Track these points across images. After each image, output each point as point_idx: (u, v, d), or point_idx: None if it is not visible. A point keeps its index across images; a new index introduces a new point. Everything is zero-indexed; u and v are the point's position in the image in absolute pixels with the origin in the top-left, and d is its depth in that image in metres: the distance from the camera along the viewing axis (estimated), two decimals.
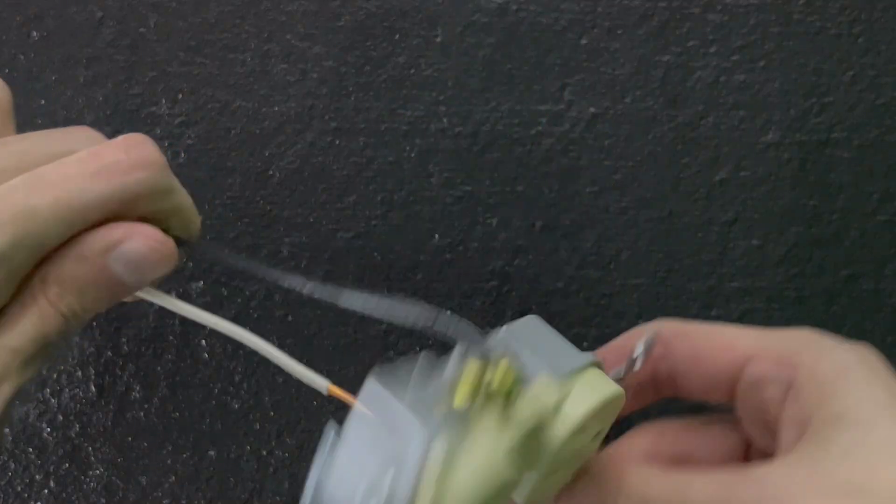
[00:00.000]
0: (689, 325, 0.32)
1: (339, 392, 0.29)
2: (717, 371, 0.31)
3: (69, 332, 0.28)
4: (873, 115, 0.40)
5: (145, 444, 0.38)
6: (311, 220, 0.39)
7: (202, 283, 0.39)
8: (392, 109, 0.40)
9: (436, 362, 0.27)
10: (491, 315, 0.38)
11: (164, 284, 0.39)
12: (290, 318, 0.39)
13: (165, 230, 0.28)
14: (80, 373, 0.39)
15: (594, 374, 0.29)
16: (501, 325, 0.30)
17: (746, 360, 0.30)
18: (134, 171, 0.28)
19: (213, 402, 0.38)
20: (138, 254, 0.28)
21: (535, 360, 0.29)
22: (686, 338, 0.31)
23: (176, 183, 0.29)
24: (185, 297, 0.39)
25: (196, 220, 0.31)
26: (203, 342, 0.39)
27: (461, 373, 0.27)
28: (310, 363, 0.39)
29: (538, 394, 0.28)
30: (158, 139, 0.39)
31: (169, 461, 0.38)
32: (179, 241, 0.29)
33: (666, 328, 0.32)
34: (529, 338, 0.30)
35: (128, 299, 0.29)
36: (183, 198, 0.30)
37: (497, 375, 0.27)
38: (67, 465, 0.38)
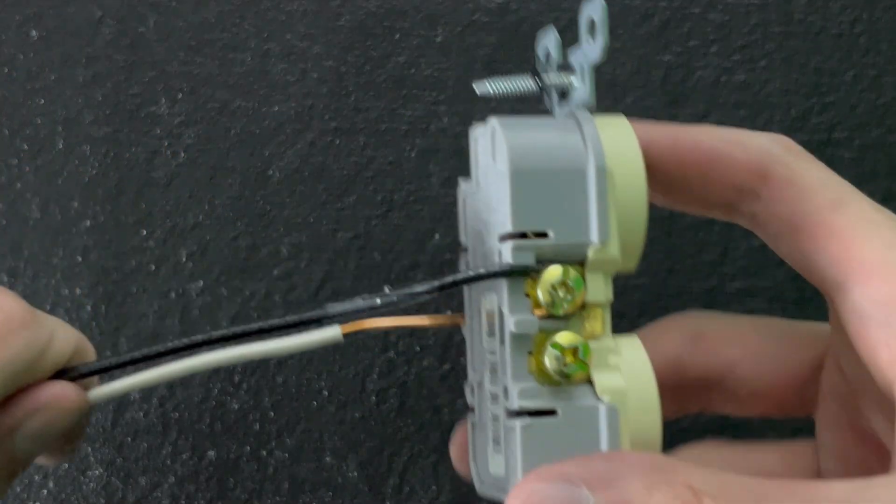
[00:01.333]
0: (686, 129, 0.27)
1: (353, 327, 0.26)
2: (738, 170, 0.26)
3: None
4: (875, 114, 0.40)
5: (144, 445, 0.38)
6: (311, 219, 0.39)
7: (202, 282, 0.39)
8: (392, 109, 0.40)
9: None
10: None
11: (157, 280, 0.39)
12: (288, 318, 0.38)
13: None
14: None
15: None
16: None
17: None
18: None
19: (213, 402, 0.38)
20: (50, 426, 0.24)
21: None
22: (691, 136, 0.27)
23: (45, 326, 0.25)
24: (183, 297, 0.39)
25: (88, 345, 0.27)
26: None
27: None
28: (308, 364, 0.39)
29: None
30: (158, 139, 0.39)
31: (168, 462, 0.38)
32: (76, 374, 0.26)
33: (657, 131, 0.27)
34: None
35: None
36: (62, 333, 0.26)
37: None
38: (66, 465, 0.38)
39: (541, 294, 0.24)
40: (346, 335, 0.26)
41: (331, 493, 0.38)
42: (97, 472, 0.38)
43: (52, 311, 0.38)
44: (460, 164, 0.39)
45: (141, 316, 0.39)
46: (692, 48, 0.40)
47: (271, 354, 0.27)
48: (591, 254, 0.25)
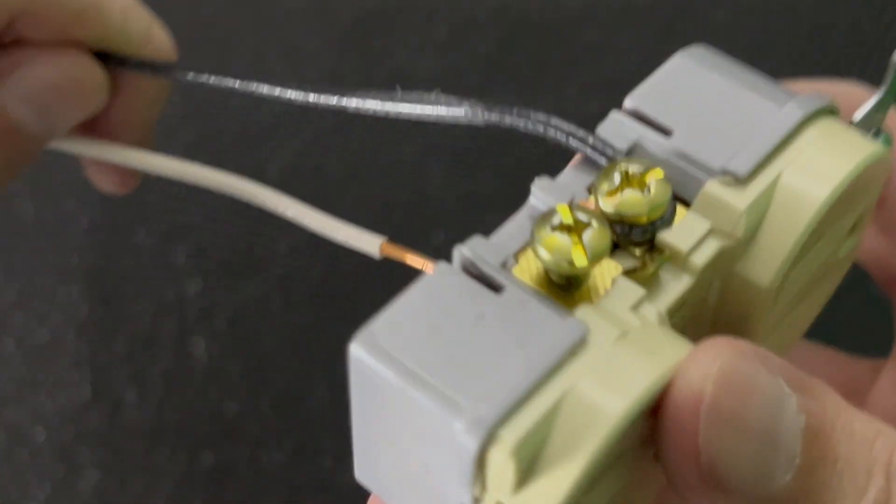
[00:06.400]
0: None
1: (394, 252, 0.23)
2: None
3: None
4: None
5: (141, 448, 0.38)
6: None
7: (199, 282, 0.39)
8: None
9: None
10: None
11: (153, 280, 0.38)
12: (288, 318, 0.38)
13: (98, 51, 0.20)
14: (74, 374, 0.38)
15: (828, 127, 0.20)
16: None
17: None
18: None
19: (210, 404, 0.38)
20: (45, 83, 0.20)
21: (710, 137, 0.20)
22: None
23: None
24: (181, 297, 0.38)
25: (143, 24, 0.22)
26: (200, 343, 0.39)
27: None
28: (308, 363, 0.38)
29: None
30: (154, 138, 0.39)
31: (164, 465, 0.38)
32: (113, 60, 0.21)
33: None
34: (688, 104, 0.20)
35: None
36: None
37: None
38: (61, 468, 0.38)
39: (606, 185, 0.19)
40: (383, 255, 0.23)
41: (330, 497, 0.38)
42: (93, 474, 0.38)
43: (47, 312, 0.38)
44: (460, 164, 0.39)
45: (138, 317, 0.39)
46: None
47: (309, 226, 0.25)
48: (710, 186, 0.19)
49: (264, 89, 0.24)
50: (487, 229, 0.21)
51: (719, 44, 0.41)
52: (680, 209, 0.19)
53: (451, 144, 0.39)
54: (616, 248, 0.19)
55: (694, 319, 0.19)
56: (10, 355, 0.39)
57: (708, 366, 0.16)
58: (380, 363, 0.17)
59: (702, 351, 0.17)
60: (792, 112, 0.20)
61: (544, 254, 0.18)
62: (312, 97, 0.24)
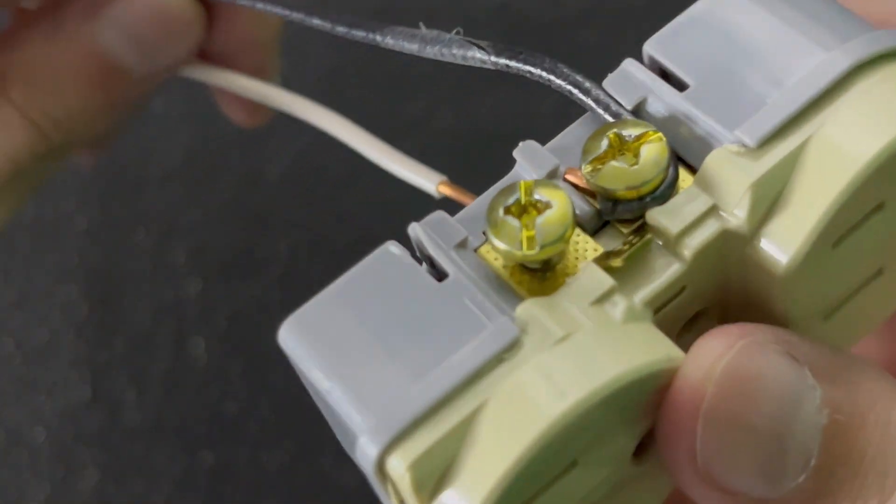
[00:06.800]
0: None
1: (454, 193, 0.21)
2: None
3: (54, 154, 0.20)
4: None
5: (140, 448, 0.38)
6: (310, 219, 0.39)
7: (199, 283, 0.39)
8: (391, 107, 0.39)
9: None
10: None
11: (153, 280, 0.38)
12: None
13: None
14: (73, 375, 0.38)
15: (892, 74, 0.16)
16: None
17: None
18: None
19: (210, 404, 0.38)
20: (142, 17, 0.19)
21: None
22: None
23: None
24: (180, 298, 0.38)
25: None
26: (199, 343, 0.38)
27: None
28: None
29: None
30: (153, 139, 0.39)
31: (164, 465, 0.38)
32: None
33: None
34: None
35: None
36: None
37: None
38: (61, 468, 0.38)
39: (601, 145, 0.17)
40: (441, 194, 0.22)
41: (330, 497, 0.38)
42: (92, 475, 0.38)
43: (46, 313, 0.38)
44: (461, 163, 0.38)
45: (137, 317, 0.39)
46: None
47: (372, 157, 0.24)
48: (717, 155, 0.16)
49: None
50: None
51: None
52: (687, 177, 0.17)
53: (450, 144, 0.39)
54: (606, 225, 0.17)
55: (700, 310, 0.17)
56: (9, 355, 0.39)
57: (711, 361, 0.15)
58: (300, 351, 0.17)
59: (707, 341, 0.15)
60: (837, 60, 0.16)
61: (495, 240, 0.16)
62: (358, 33, 0.23)
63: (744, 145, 0.16)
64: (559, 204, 0.16)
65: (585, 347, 0.15)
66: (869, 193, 0.15)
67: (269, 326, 0.40)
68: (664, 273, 0.16)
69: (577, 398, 0.14)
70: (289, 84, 0.40)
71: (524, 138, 0.19)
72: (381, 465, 0.15)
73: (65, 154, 0.23)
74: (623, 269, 0.16)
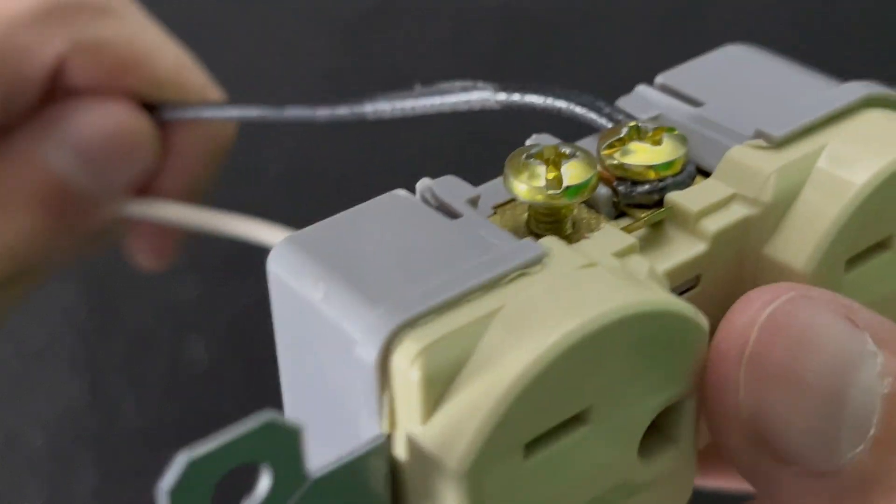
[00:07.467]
0: None
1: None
2: None
3: (9, 282, 0.18)
4: None
5: (139, 450, 0.38)
6: (309, 219, 0.39)
7: (198, 283, 0.39)
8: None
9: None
10: None
11: (153, 281, 0.38)
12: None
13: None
14: (72, 377, 0.38)
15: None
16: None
17: None
18: None
19: (209, 405, 0.38)
20: (93, 137, 0.18)
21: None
22: None
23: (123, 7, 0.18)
24: (180, 298, 0.38)
25: (198, 79, 0.20)
26: (199, 344, 0.38)
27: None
28: None
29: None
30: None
31: (163, 467, 0.38)
32: (165, 108, 0.19)
33: None
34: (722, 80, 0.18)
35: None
36: (142, 33, 0.19)
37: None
38: (59, 470, 0.38)
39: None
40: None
41: None
42: (91, 477, 0.38)
43: (45, 314, 0.38)
44: (461, 163, 0.38)
45: (136, 318, 0.39)
46: (698, 43, 0.40)
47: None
48: (735, 151, 0.16)
49: (295, 112, 0.22)
50: None
51: (719, 44, 0.41)
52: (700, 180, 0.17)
53: (450, 144, 0.39)
54: (622, 216, 0.16)
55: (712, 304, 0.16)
56: (7, 358, 0.39)
57: (758, 307, 0.14)
58: (293, 266, 0.15)
59: (756, 291, 0.14)
60: (851, 90, 0.17)
61: (516, 182, 0.15)
62: (342, 111, 0.22)
63: (766, 140, 0.16)
64: (584, 155, 0.16)
65: (610, 275, 0.14)
66: (888, 201, 0.16)
67: (268, 327, 0.40)
68: (686, 250, 0.16)
69: (599, 310, 0.13)
70: (289, 84, 0.40)
71: (526, 135, 0.19)
72: (385, 357, 0.13)
73: (21, 284, 0.22)
74: (642, 248, 0.16)
